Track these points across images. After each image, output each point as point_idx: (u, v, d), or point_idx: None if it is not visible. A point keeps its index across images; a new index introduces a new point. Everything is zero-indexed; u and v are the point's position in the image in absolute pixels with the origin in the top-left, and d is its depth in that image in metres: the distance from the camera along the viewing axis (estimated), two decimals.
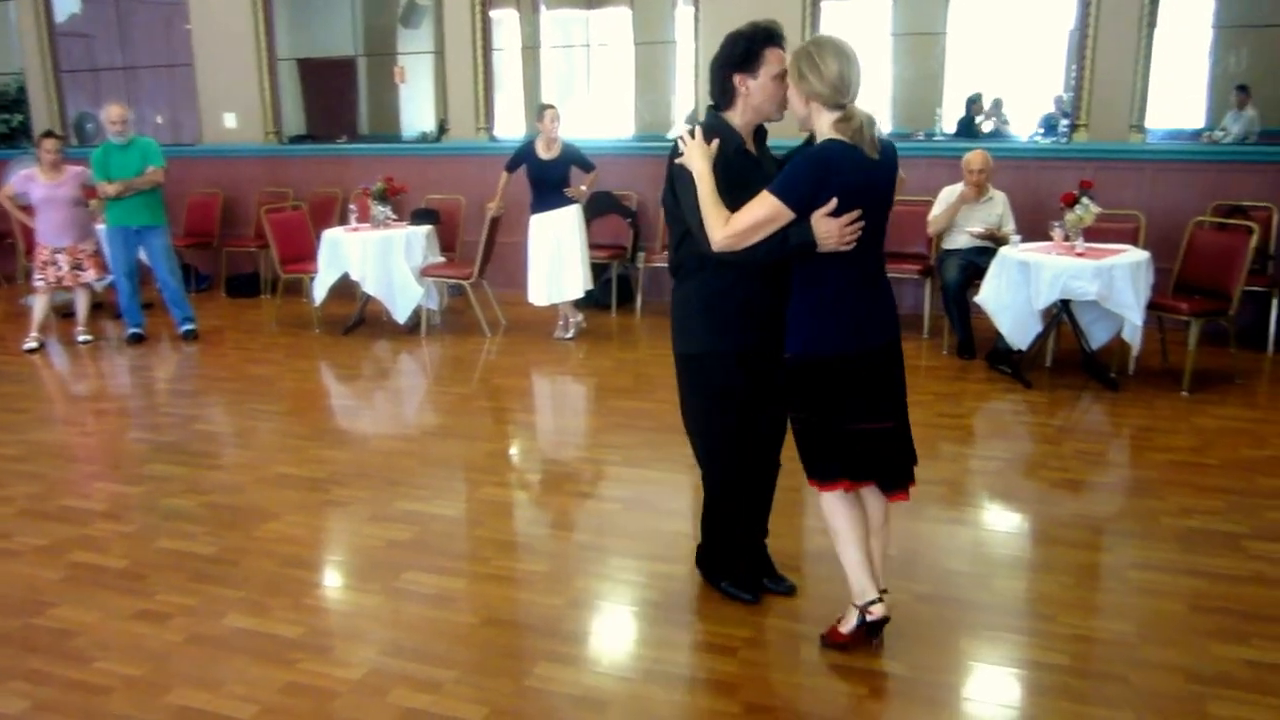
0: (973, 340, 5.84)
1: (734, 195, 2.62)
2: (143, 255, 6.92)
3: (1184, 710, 2.54)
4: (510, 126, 8.51)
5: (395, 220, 7.09)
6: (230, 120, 9.01)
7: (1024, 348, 5.31)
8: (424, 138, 8.95)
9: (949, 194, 5.98)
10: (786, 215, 2.52)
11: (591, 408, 5.57)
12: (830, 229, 2.53)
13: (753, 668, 2.80)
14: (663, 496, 4.12)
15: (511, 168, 6.46)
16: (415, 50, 9.61)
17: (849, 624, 2.81)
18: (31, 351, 6.68)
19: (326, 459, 4.56)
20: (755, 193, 2.59)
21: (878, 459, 2.72)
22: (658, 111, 10.12)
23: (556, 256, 6.45)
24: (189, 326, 6.92)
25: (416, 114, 9.66)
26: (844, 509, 2.76)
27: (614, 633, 3.11)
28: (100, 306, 7.69)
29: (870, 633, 2.80)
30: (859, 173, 2.55)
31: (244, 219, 8.91)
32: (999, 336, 5.39)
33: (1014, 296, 5.20)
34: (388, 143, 9.33)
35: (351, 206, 7.24)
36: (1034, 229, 5.82)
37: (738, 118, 2.79)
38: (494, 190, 6.63)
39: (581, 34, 11.00)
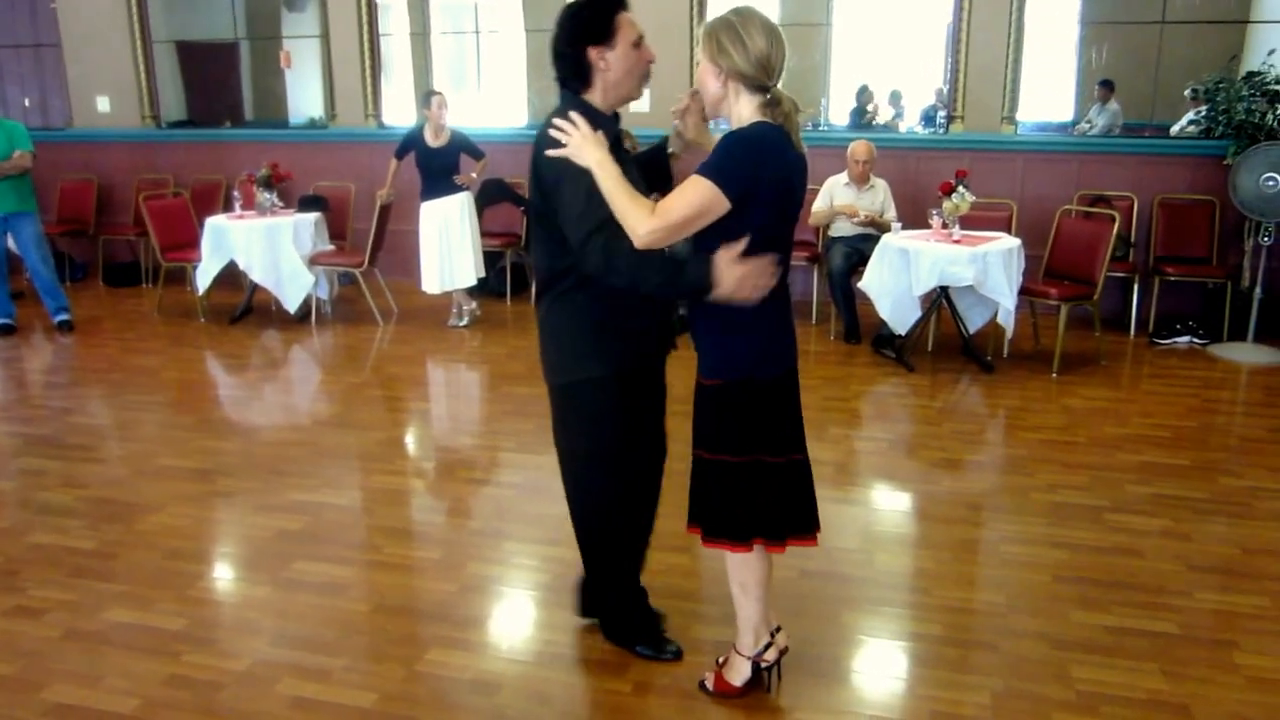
0: (858, 325, 6.06)
1: None
2: (11, 243, 6.57)
3: (1048, 674, 2.70)
4: (401, 114, 8.37)
5: (282, 208, 6.91)
6: (104, 104, 8.62)
7: (904, 332, 5.52)
8: (312, 124, 8.72)
9: (833, 184, 6.17)
10: (722, 206, 2.14)
11: (486, 395, 5.55)
12: (741, 278, 2.16)
13: None
14: (556, 481, 4.08)
15: (400, 154, 6.38)
16: (300, 35, 9.34)
17: (742, 674, 2.58)
18: None
19: (213, 450, 4.43)
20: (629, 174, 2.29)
21: (795, 498, 2.44)
22: (549, 100, 10.06)
23: (447, 244, 6.39)
24: (64, 316, 6.61)
25: (303, 100, 9.41)
26: (758, 560, 2.45)
27: (507, 617, 3.13)
28: None
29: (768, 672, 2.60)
30: (788, 165, 2.23)
31: (121, 206, 8.54)
32: (883, 322, 5.59)
33: (895, 282, 5.40)
34: (274, 129, 9.06)
35: (236, 193, 7.02)
36: (915, 217, 6.05)
37: (599, 99, 2.43)
38: (384, 178, 6.53)
39: (471, 21, 10.88)
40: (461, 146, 6.35)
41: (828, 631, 2.94)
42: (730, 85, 2.24)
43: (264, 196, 6.78)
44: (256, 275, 6.55)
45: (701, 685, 2.64)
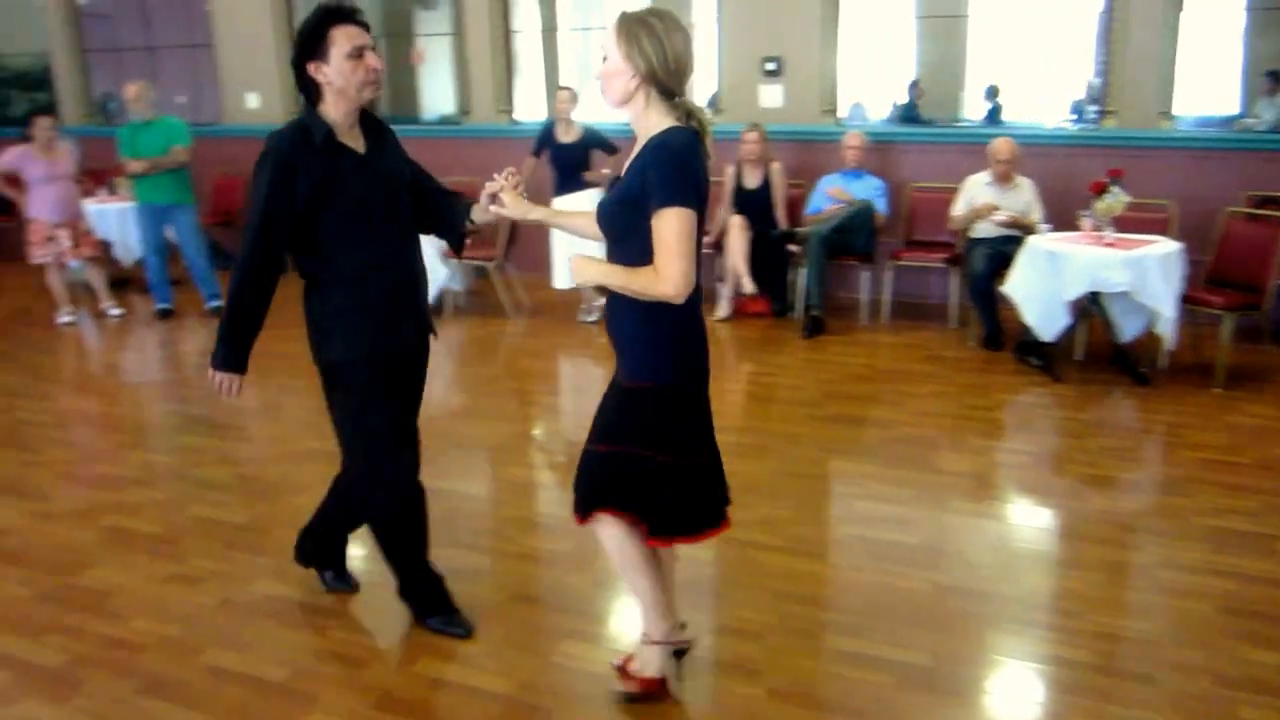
0: (1000, 331, 5.81)
1: (340, 194, 2.54)
2: (170, 233, 6.97)
3: (1213, 713, 2.52)
4: (532, 110, 8.50)
5: None
6: (253, 100, 9.02)
7: (1051, 339, 5.26)
8: (445, 120, 8.94)
9: (974, 183, 5.94)
10: (694, 217, 2.15)
11: None
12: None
13: (776, 653, 2.80)
14: None
15: (537, 152, 6.46)
16: (434, 32, 9.59)
17: (656, 664, 2.53)
18: (66, 325, 6.80)
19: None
20: (356, 176, 2.55)
21: (701, 495, 2.42)
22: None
23: (576, 240, 6.41)
24: (216, 303, 6.97)
25: (436, 96, 9.66)
26: (635, 539, 2.42)
27: (636, 614, 3.10)
28: (128, 282, 7.77)
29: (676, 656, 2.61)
30: (704, 174, 2.22)
31: None
32: (1027, 328, 5.35)
33: (1042, 287, 5.15)
34: (408, 124, 9.33)
35: None
36: (1061, 219, 5.77)
37: (333, 110, 2.57)
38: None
39: (599, 17, 10.96)
40: (593, 142, 6.38)
41: (964, 649, 2.82)
42: (641, 88, 2.18)
43: None
44: None
45: (618, 695, 2.56)
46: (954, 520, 3.66)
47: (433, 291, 6.68)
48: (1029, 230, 5.63)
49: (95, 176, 7.91)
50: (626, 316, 2.30)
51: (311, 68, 2.54)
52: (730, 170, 6.66)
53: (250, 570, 3.29)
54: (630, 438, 2.33)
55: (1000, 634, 2.92)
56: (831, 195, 6.48)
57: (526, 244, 7.24)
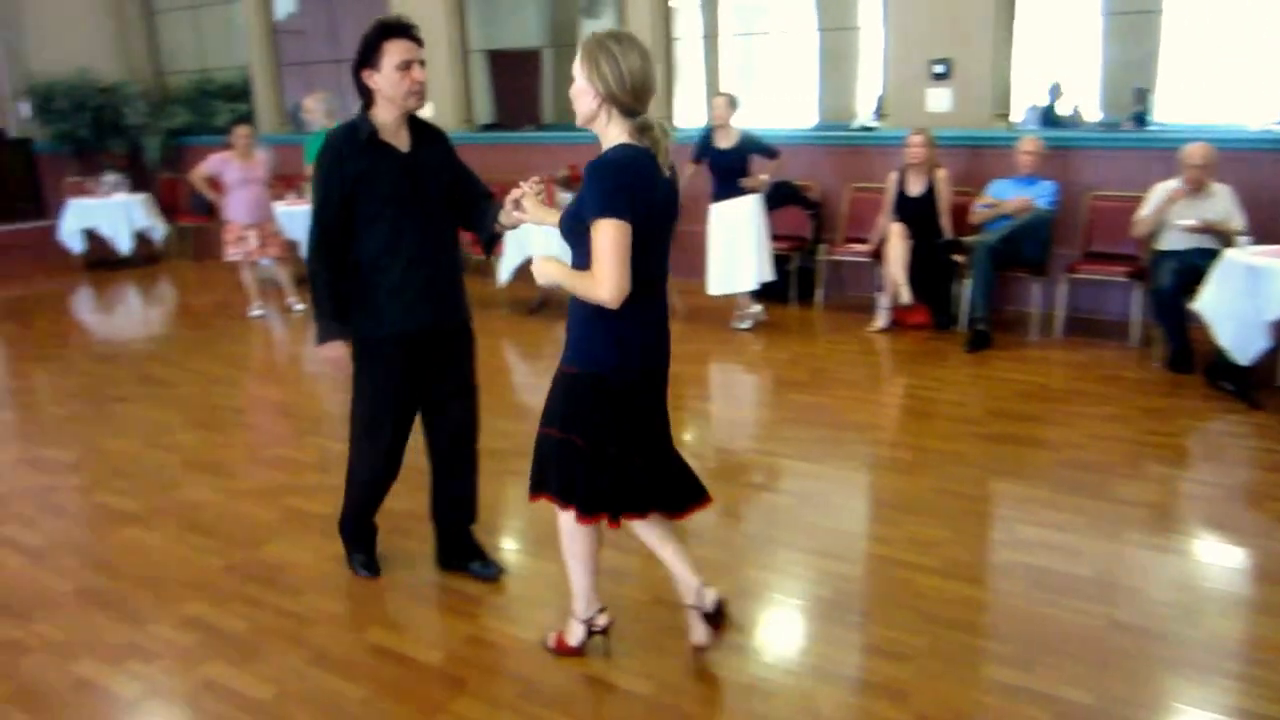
0: (1189, 352, 5.36)
1: (377, 184, 2.86)
2: None
3: None
4: (692, 116, 8.52)
5: None
6: (428, 110, 9.41)
7: (1248, 363, 4.83)
8: None
9: (1162, 192, 5.52)
10: (627, 228, 2.29)
11: (766, 399, 5.50)
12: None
13: (927, 678, 2.68)
14: (836, 493, 4.02)
15: (697, 158, 6.46)
16: None
17: (577, 636, 2.78)
18: (256, 318, 7.35)
19: (506, 432, 4.69)
20: (392, 171, 2.85)
21: (658, 485, 2.59)
22: (841, 99, 9.87)
23: (732, 246, 6.41)
24: None
25: None
26: (589, 536, 2.65)
27: (782, 625, 3.06)
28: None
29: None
30: (652, 185, 2.37)
31: None
32: (1220, 350, 4.93)
33: (1239, 305, 4.73)
34: (572, 131, 9.54)
35: None
36: (1263, 231, 5.29)
37: (382, 114, 2.90)
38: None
39: (762, 21, 10.87)
40: (751, 148, 6.33)
41: (1135, 691, 2.62)
42: (603, 106, 2.35)
43: (561, 196, 7.15)
44: None
45: (544, 644, 2.83)
46: (1130, 553, 3.41)
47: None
48: (1228, 239, 5.19)
49: (286, 181, 8.48)
50: (576, 307, 2.49)
51: (365, 74, 2.87)
52: (893, 176, 6.47)
53: (409, 555, 3.44)
54: (557, 420, 2.53)
55: (1177, 679, 2.69)
56: (984, 205, 6.20)
57: (682, 249, 7.23)
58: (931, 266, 6.28)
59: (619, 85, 2.33)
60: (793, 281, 7.22)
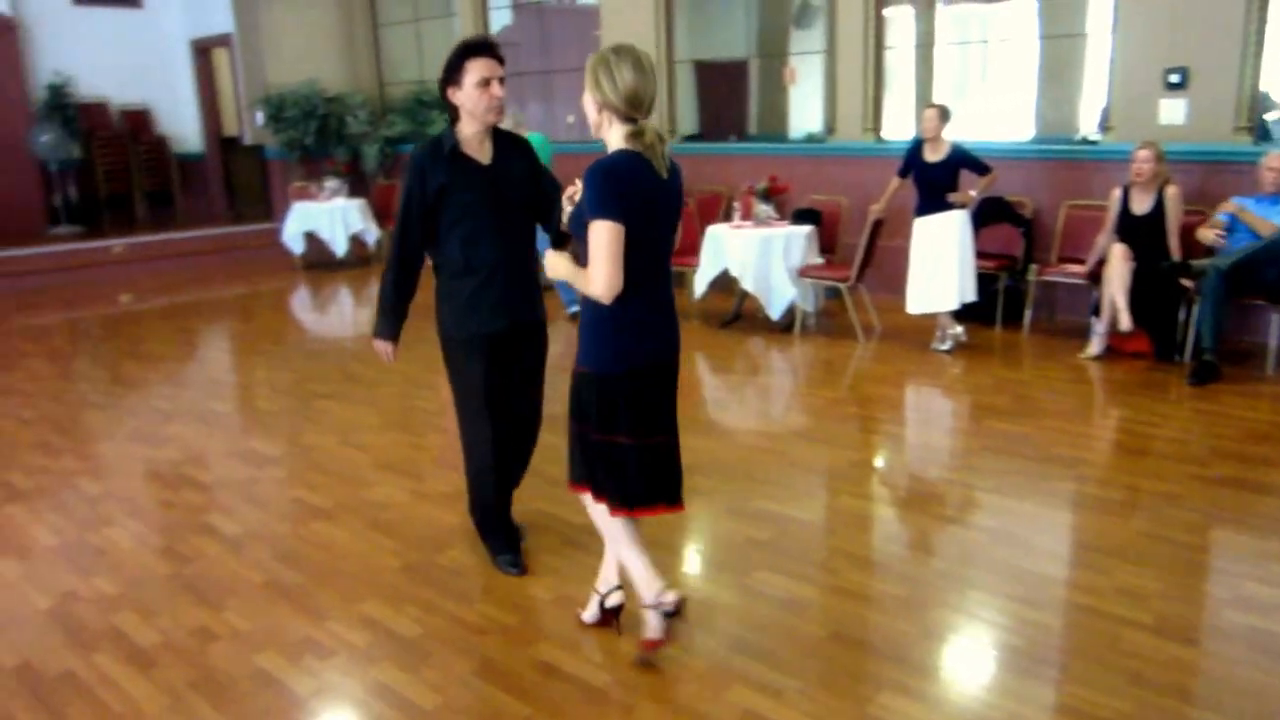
0: None
1: (458, 195, 3.08)
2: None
3: None
4: (900, 128, 8.27)
5: (777, 219, 7.18)
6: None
7: None
8: (810, 138, 8.96)
9: None
10: (619, 229, 2.48)
11: (964, 426, 5.25)
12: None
13: None
14: (1036, 532, 3.78)
15: (903, 172, 6.27)
16: (806, 51, 9.65)
17: (654, 627, 2.79)
18: None
19: (693, 447, 4.67)
20: (473, 183, 3.06)
21: (661, 473, 2.76)
22: (1063, 111, 9.29)
23: (935, 264, 6.17)
24: (575, 309, 7.54)
25: (805, 115, 9.71)
26: (625, 521, 2.80)
27: (968, 674, 2.90)
28: None
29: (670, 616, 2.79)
30: (647, 188, 2.55)
31: None
32: None
33: None
34: (775, 143, 9.48)
35: (735, 204, 7.44)
36: None
37: (465, 128, 3.12)
38: (879, 192, 6.48)
39: (979, 29, 10.41)
40: (961, 162, 6.07)
41: None
42: (605, 114, 2.57)
43: (761, 208, 7.12)
44: (748, 284, 6.88)
45: (638, 661, 2.86)
46: None
47: (780, 308, 6.80)
48: None
49: None
50: (584, 309, 2.69)
51: (450, 91, 3.09)
52: (1116, 193, 6.03)
53: (582, 569, 3.42)
54: (575, 415, 2.75)
55: None
56: (1224, 215, 5.67)
57: (882, 265, 7.06)
58: (1155, 290, 5.80)
59: (615, 95, 2.53)
60: (999, 302, 6.86)
